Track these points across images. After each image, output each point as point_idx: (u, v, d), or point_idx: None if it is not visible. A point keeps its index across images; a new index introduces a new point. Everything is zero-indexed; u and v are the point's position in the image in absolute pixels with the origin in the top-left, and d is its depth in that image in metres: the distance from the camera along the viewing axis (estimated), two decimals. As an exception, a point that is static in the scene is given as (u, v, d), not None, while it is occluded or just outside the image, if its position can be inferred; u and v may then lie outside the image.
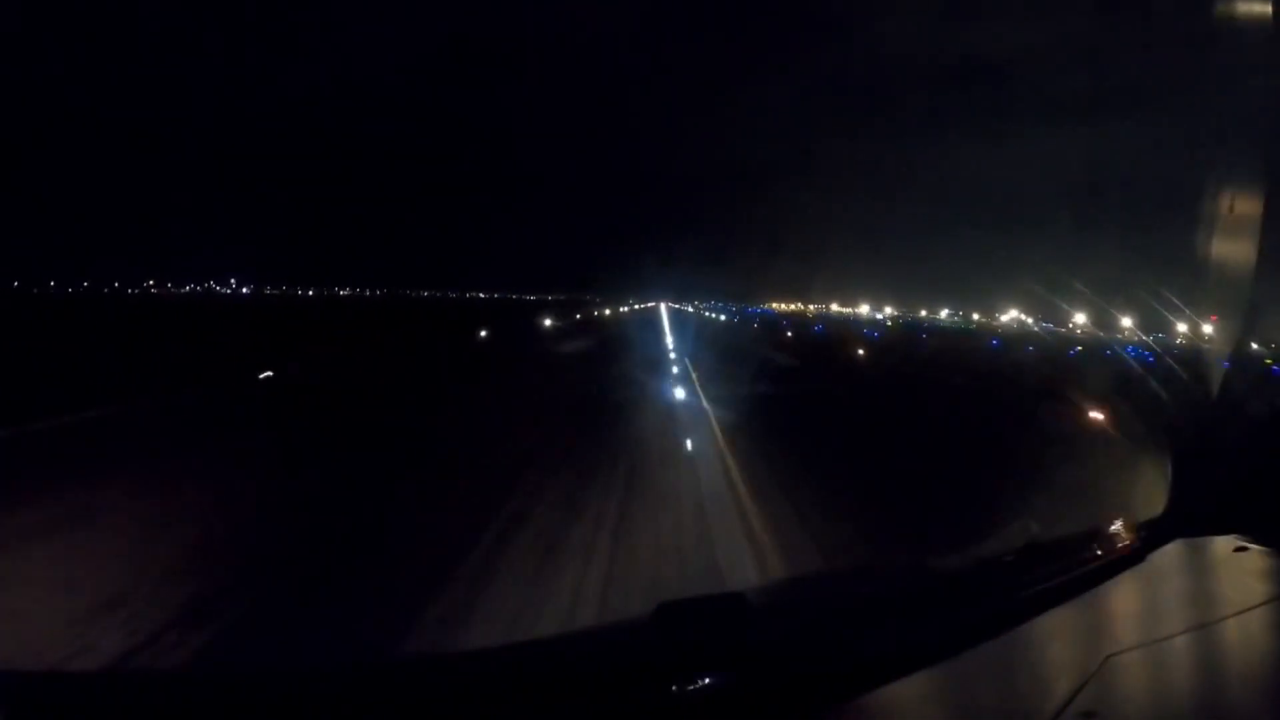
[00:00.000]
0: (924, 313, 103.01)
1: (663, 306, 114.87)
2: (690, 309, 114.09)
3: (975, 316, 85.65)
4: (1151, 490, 2.83)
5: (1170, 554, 2.09)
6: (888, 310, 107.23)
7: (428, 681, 1.33)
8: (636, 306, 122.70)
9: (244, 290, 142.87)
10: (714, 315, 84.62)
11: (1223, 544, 2.15)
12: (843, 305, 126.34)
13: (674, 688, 1.23)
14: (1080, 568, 1.89)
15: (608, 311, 74.44)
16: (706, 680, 1.25)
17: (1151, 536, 2.14)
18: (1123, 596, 1.84)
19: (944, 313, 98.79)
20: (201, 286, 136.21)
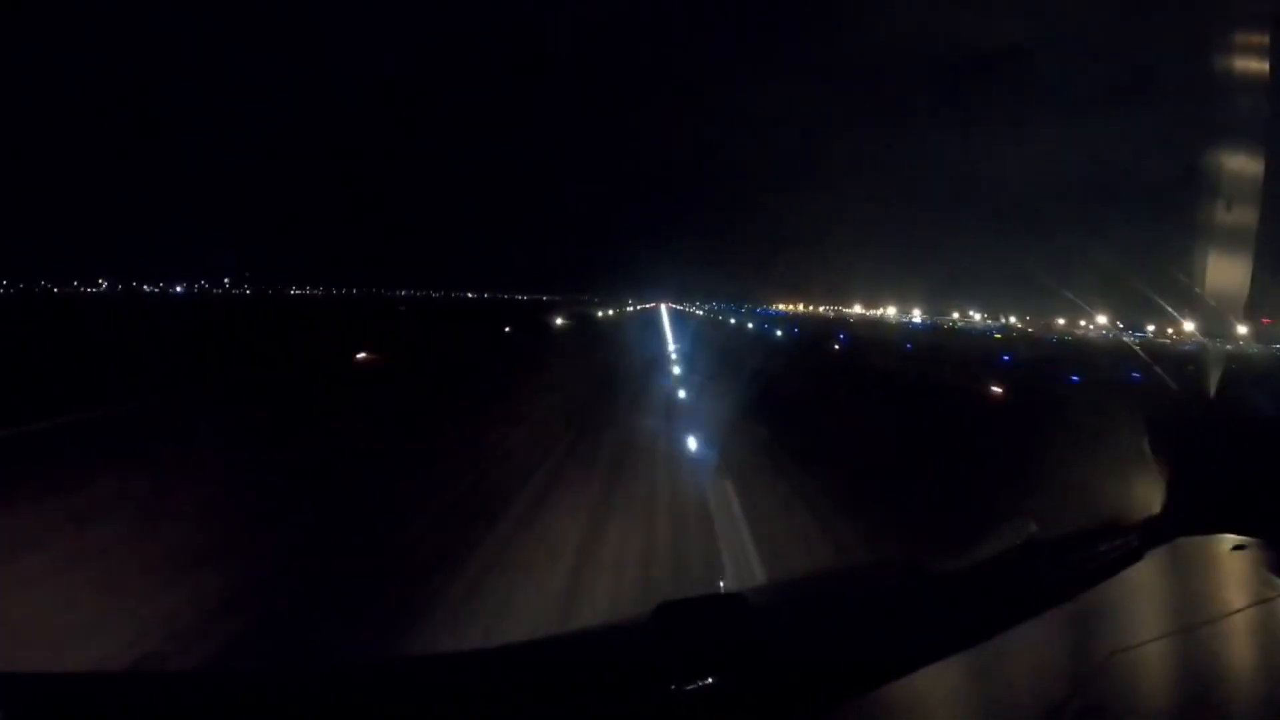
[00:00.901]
0: (955, 315, 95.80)
1: (663, 308, 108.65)
2: (701, 311, 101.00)
3: (1012, 320, 78.73)
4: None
5: (1169, 553, 2.10)
6: (917, 314, 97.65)
7: (428, 681, 1.33)
8: (635, 308, 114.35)
9: (177, 289, 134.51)
10: (726, 320, 73.04)
11: (1222, 543, 2.16)
12: (868, 308, 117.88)
13: (674, 688, 1.23)
14: (1080, 567, 1.89)
15: (557, 321, 52.07)
16: (706, 680, 1.25)
17: (1151, 535, 2.14)
18: (1122, 595, 1.84)
19: (976, 316, 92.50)
20: (120, 285, 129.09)
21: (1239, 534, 2.16)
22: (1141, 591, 1.91)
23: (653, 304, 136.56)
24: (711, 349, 26.81)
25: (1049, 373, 22.29)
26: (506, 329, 39.24)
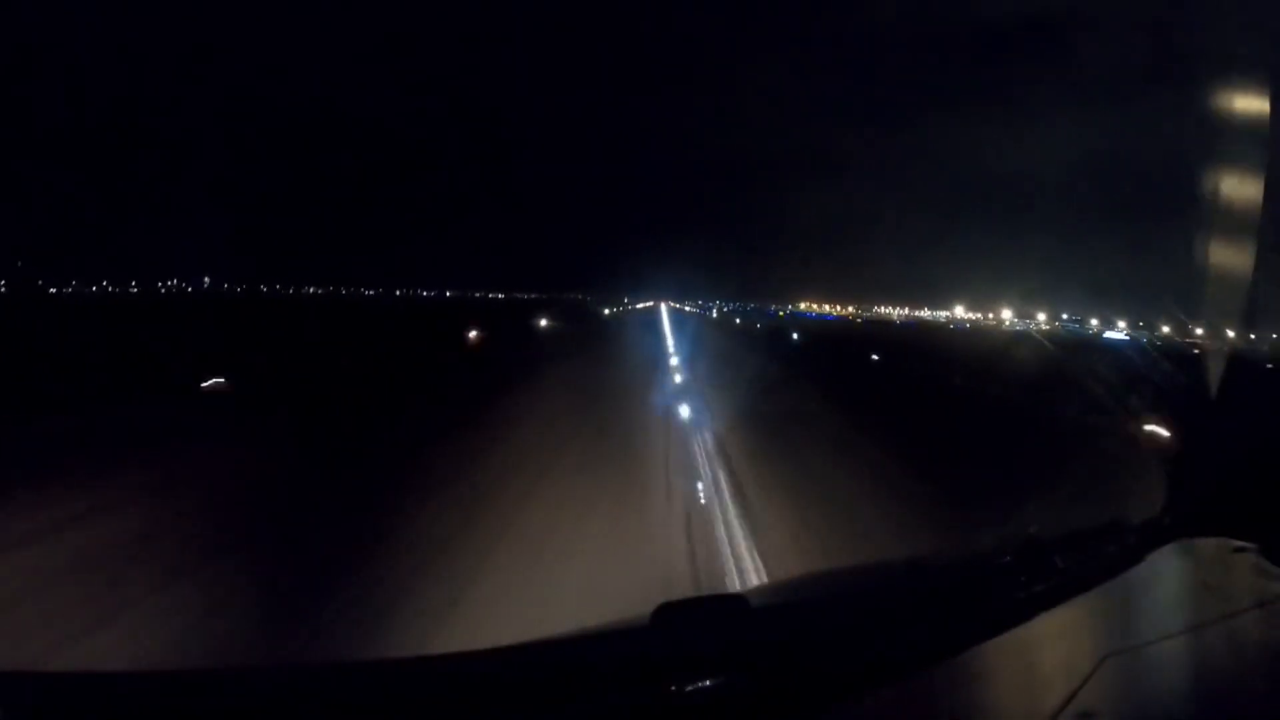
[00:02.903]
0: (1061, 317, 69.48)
1: (663, 308, 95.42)
2: (740, 320, 69.70)
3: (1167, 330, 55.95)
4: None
5: (1169, 554, 2.10)
6: (1041, 317, 68.37)
7: (427, 681, 1.33)
8: (628, 307, 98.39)
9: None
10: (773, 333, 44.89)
11: (1222, 544, 2.15)
12: (938, 309, 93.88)
13: (674, 689, 1.23)
14: (1079, 568, 1.89)
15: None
16: (706, 681, 1.25)
17: (1151, 537, 2.14)
18: (1122, 597, 1.84)
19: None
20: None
21: (1240, 536, 2.16)
22: (1142, 593, 1.91)
23: (651, 303, 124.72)
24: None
25: None
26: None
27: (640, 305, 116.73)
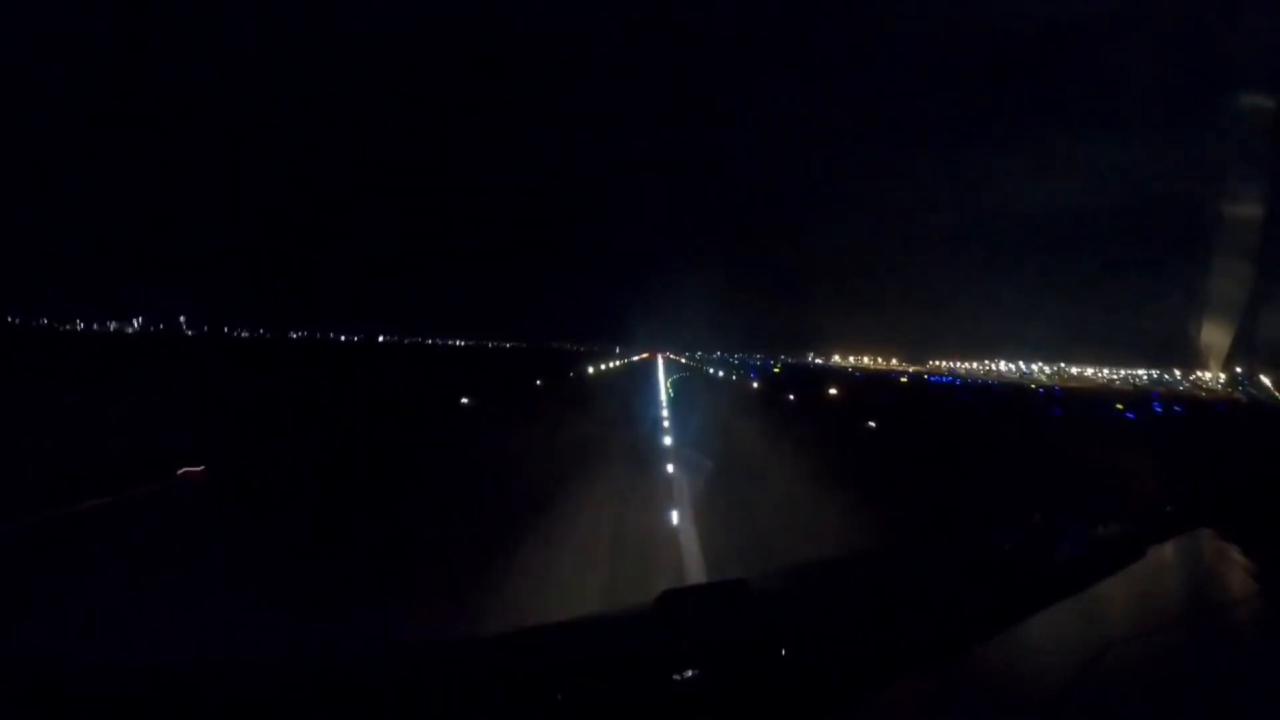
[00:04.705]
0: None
1: (659, 361, 75.81)
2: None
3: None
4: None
5: (1169, 550, 2.11)
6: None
7: (429, 672, 1.33)
8: (615, 364, 64.81)
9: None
10: None
11: (1222, 540, 2.17)
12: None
13: (676, 676, 1.23)
14: (1081, 562, 1.90)
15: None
16: (709, 669, 1.26)
17: (1151, 533, 2.15)
18: (1122, 591, 1.85)
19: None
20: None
21: (1239, 531, 2.17)
22: (1142, 588, 1.92)
23: (647, 353, 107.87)
24: None
25: None
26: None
27: (617, 363, 74.02)
